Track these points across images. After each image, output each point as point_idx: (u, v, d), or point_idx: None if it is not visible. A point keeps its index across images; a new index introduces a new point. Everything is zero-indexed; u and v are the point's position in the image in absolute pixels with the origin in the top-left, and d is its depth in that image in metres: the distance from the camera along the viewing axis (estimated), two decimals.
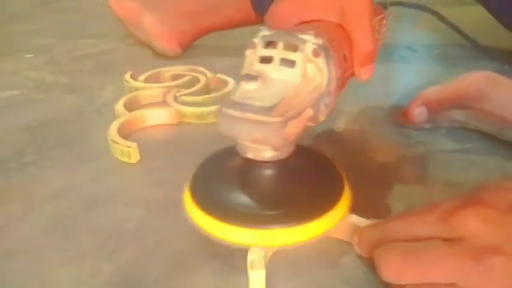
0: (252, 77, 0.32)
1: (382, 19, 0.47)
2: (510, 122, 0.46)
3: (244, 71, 0.33)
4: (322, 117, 0.35)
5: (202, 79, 0.63)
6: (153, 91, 0.60)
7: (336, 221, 0.33)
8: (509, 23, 0.70)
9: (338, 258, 0.33)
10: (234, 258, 0.33)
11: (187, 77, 0.63)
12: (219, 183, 0.35)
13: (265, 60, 0.34)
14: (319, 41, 0.33)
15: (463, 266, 0.26)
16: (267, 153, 0.33)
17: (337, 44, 0.36)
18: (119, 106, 0.55)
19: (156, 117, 0.54)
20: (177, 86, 0.61)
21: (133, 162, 0.46)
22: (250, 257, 0.31)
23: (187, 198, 0.35)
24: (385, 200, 0.40)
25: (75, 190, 0.43)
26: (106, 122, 0.50)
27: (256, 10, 0.77)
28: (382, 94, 0.60)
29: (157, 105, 0.58)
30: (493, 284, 0.25)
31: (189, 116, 0.55)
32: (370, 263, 0.32)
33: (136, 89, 0.61)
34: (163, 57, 0.77)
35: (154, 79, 0.65)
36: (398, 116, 0.52)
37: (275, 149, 0.32)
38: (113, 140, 0.47)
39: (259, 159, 0.33)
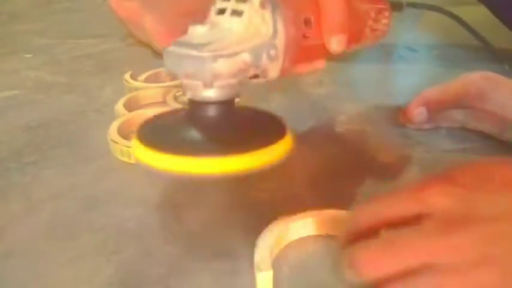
0: (200, 24, 0.34)
1: (382, 9, 0.47)
2: (510, 122, 0.46)
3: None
4: (271, 72, 0.36)
5: None
6: (153, 91, 0.60)
7: (265, 158, 0.33)
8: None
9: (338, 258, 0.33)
10: (234, 258, 0.33)
11: None
12: (164, 125, 0.36)
13: (221, 12, 0.36)
14: None
15: (433, 244, 0.26)
16: (203, 92, 0.33)
17: (294, 2, 0.37)
18: (119, 106, 0.55)
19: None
20: (177, 86, 0.61)
21: (133, 162, 0.46)
22: (257, 257, 0.31)
23: (134, 143, 0.35)
24: None
25: (75, 190, 0.43)
26: (106, 122, 0.50)
27: None
28: (382, 94, 0.60)
29: (157, 105, 0.58)
30: (467, 256, 0.25)
31: None
32: None
33: (136, 89, 0.61)
34: (163, 57, 0.77)
35: (154, 79, 0.65)
36: (398, 116, 0.52)
37: (205, 84, 0.33)
38: (112, 140, 0.47)
39: (197, 99, 0.34)
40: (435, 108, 0.49)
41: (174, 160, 0.32)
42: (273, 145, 0.33)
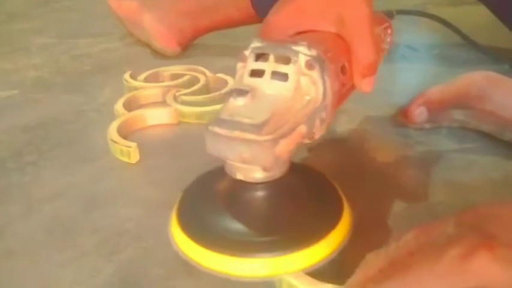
0: (240, 92, 0.30)
1: (387, 28, 0.46)
2: (511, 122, 0.46)
3: (234, 86, 0.32)
4: (318, 134, 0.33)
5: (202, 79, 0.63)
6: (152, 91, 0.60)
7: (335, 244, 0.31)
8: None
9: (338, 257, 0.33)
10: None
11: (187, 77, 0.63)
12: (208, 209, 0.33)
13: (256, 73, 0.32)
14: (313, 52, 0.31)
15: None
16: (258, 174, 0.31)
17: (333, 55, 0.34)
18: (119, 106, 0.55)
19: (156, 117, 0.54)
20: (176, 86, 0.61)
21: (133, 162, 0.46)
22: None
23: (174, 227, 0.33)
24: (385, 200, 0.40)
25: (74, 190, 0.43)
26: (105, 122, 0.50)
27: (255, 9, 0.77)
28: (382, 94, 0.60)
29: (156, 105, 0.58)
30: None
31: (188, 116, 0.54)
32: None
33: (136, 88, 0.61)
34: (162, 56, 0.77)
35: (154, 79, 0.65)
36: (399, 115, 0.52)
37: (265, 169, 0.30)
38: (112, 140, 0.47)
39: (249, 180, 0.31)
40: (436, 108, 0.49)
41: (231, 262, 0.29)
42: (336, 226, 0.31)
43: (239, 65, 0.33)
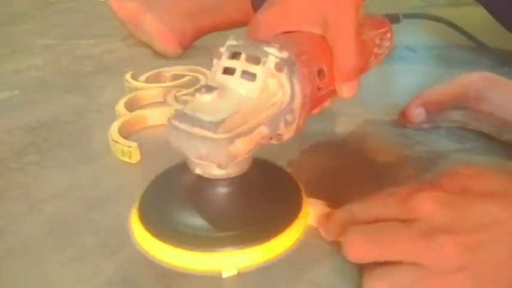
0: (208, 88, 0.30)
1: (385, 32, 0.46)
2: (509, 122, 0.46)
3: (206, 81, 0.32)
4: (286, 136, 0.33)
5: (203, 79, 0.63)
6: (153, 91, 0.61)
7: (294, 239, 0.33)
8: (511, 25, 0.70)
9: (337, 257, 0.34)
10: None
11: (188, 77, 0.64)
12: (169, 203, 0.34)
13: (229, 71, 0.32)
14: (284, 54, 0.31)
15: (418, 245, 0.28)
16: (216, 171, 0.31)
17: (308, 58, 0.34)
18: (120, 106, 0.55)
19: (157, 117, 0.55)
20: (177, 86, 0.61)
21: (134, 162, 0.47)
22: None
23: (134, 221, 0.33)
24: None
25: (76, 190, 0.43)
26: (107, 122, 0.51)
27: (256, 10, 0.77)
28: (381, 94, 0.61)
29: (157, 105, 0.58)
30: (446, 261, 0.27)
31: None
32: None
33: (137, 89, 0.61)
34: (163, 57, 0.77)
35: (155, 79, 0.65)
36: (398, 116, 0.52)
37: (220, 166, 0.30)
38: (113, 140, 0.47)
39: (207, 176, 0.31)
40: (434, 109, 0.50)
41: (186, 256, 0.30)
42: (291, 226, 0.32)
43: (215, 61, 0.33)
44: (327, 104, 0.40)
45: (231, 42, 0.33)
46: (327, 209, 0.36)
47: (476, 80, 0.47)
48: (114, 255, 0.35)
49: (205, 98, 0.30)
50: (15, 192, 0.43)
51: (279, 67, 0.31)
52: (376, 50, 0.44)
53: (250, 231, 0.31)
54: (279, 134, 0.33)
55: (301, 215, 0.34)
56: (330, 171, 0.44)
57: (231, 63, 0.32)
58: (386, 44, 0.46)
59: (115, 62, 0.78)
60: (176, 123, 0.30)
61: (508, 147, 0.46)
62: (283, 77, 0.31)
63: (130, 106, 0.56)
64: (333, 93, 0.38)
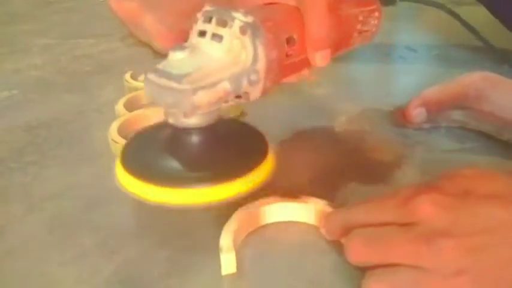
0: (180, 48, 0.34)
1: (372, 10, 0.47)
2: (509, 122, 0.46)
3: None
4: (253, 95, 0.36)
5: None
6: None
7: (254, 182, 0.35)
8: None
9: (336, 257, 0.34)
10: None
11: None
12: (148, 150, 0.37)
13: (202, 34, 0.35)
14: (249, 19, 0.34)
15: (417, 249, 0.28)
16: (184, 120, 0.34)
17: (275, 24, 0.36)
18: (119, 106, 0.55)
19: (157, 117, 0.54)
20: None
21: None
22: (221, 242, 0.33)
23: (117, 167, 0.36)
24: None
25: (75, 190, 0.43)
26: (106, 122, 0.50)
27: None
28: (381, 94, 0.61)
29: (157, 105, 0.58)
30: (446, 264, 0.27)
31: None
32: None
33: (137, 89, 0.61)
34: (163, 57, 0.77)
35: None
36: (398, 116, 0.52)
37: (185, 115, 0.33)
38: (113, 140, 0.47)
39: (179, 125, 0.34)
40: (434, 109, 0.50)
41: (161, 191, 0.33)
42: (255, 169, 0.35)
43: (193, 25, 0.37)
44: (305, 73, 0.42)
45: (206, 8, 0.37)
46: (329, 209, 0.36)
47: (476, 79, 0.47)
48: (113, 255, 0.35)
49: (177, 55, 0.34)
50: (15, 191, 0.43)
51: (243, 30, 0.34)
52: (359, 27, 0.45)
53: (216, 173, 0.34)
54: (246, 93, 0.35)
55: (266, 161, 0.36)
56: (330, 171, 0.44)
57: (204, 27, 0.35)
58: (373, 22, 0.47)
59: (115, 62, 0.77)
60: (150, 76, 0.33)
61: (509, 147, 0.46)
62: (247, 39, 0.34)
63: (130, 106, 0.56)
64: (307, 62, 0.40)
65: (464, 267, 0.27)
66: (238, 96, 0.36)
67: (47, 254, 0.35)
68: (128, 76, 0.64)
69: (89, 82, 0.69)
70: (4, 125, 0.56)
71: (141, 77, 0.65)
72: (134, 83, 0.62)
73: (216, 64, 0.34)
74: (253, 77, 0.35)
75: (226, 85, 0.34)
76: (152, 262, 0.34)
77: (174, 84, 0.32)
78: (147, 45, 0.81)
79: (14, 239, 0.37)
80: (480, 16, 0.73)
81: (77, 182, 0.44)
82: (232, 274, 0.33)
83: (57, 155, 0.49)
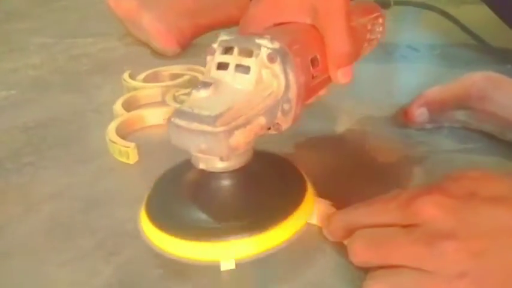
0: (204, 84, 0.31)
1: (376, 17, 0.46)
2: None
3: (202, 78, 0.33)
4: (285, 125, 0.34)
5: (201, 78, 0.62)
6: (151, 91, 0.60)
7: (298, 226, 0.33)
8: None
9: (338, 258, 0.33)
10: None
11: (186, 77, 0.63)
12: (176, 199, 0.35)
13: (223, 66, 0.32)
14: (275, 45, 0.32)
15: (419, 251, 0.28)
16: (219, 164, 0.32)
17: (301, 47, 0.34)
18: (117, 106, 0.55)
19: (155, 117, 0.54)
20: (176, 86, 0.61)
21: (132, 162, 0.46)
22: None
23: (143, 219, 0.34)
24: None
25: (73, 190, 0.42)
26: (104, 122, 0.50)
27: None
28: (383, 94, 0.60)
29: (156, 105, 0.58)
30: (449, 267, 0.27)
31: None
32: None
33: (135, 88, 0.61)
34: (162, 56, 0.77)
35: (153, 78, 0.65)
36: (400, 116, 0.52)
37: (222, 159, 0.31)
38: (111, 140, 0.47)
39: (211, 170, 0.32)
40: (436, 109, 0.49)
41: (198, 248, 0.31)
42: (295, 212, 0.33)
43: (208, 58, 0.34)
44: (322, 92, 0.41)
45: (223, 37, 0.34)
46: (332, 209, 0.36)
47: (479, 79, 0.47)
48: (111, 257, 0.34)
49: (202, 94, 0.31)
50: (12, 192, 0.43)
51: (271, 58, 0.32)
52: (368, 36, 0.45)
53: (250, 222, 0.32)
54: (277, 124, 0.34)
55: (302, 206, 0.34)
56: (332, 171, 0.44)
57: (225, 58, 0.33)
58: (379, 29, 0.46)
59: (112, 61, 0.77)
60: (176, 121, 0.30)
61: (511, 148, 0.46)
62: (277, 67, 0.32)
63: (128, 106, 0.56)
64: (328, 81, 0.39)
65: (467, 270, 0.27)
66: (268, 128, 0.33)
67: (45, 256, 0.35)
68: (126, 75, 0.64)
69: (87, 82, 0.69)
70: (1, 126, 0.55)
71: (140, 77, 0.64)
72: (132, 83, 0.62)
73: (246, 98, 0.31)
74: (286, 106, 0.33)
75: (261, 120, 0.31)
76: (150, 264, 0.34)
77: (207, 128, 0.29)
78: (145, 44, 0.81)
79: (11, 241, 0.37)
80: (482, 15, 0.73)
81: (74, 182, 0.44)
82: (231, 271, 0.32)
83: (55, 156, 0.48)
